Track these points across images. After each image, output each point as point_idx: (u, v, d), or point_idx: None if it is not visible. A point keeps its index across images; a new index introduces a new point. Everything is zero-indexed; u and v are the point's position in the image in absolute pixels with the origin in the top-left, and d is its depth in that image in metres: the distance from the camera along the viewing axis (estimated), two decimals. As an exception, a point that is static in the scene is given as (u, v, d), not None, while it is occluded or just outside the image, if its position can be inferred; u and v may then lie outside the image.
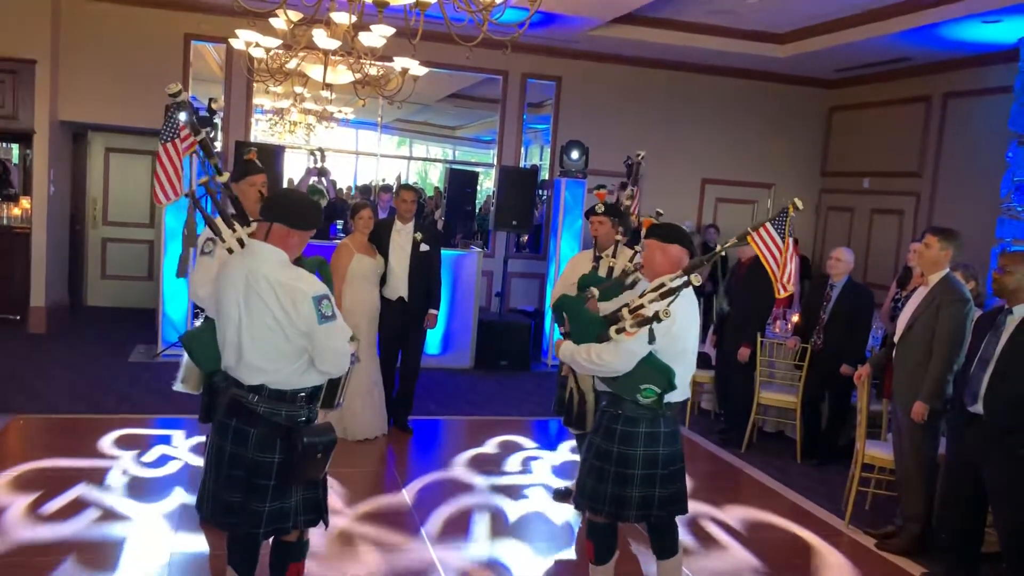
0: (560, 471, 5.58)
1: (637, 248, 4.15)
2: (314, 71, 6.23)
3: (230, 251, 3.32)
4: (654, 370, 3.25)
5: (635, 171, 5.42)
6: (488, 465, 5.64)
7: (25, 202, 8.90)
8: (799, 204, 3.52)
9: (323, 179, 9.49)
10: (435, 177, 12.22)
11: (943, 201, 9.19)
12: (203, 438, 4.48)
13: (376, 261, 5.83)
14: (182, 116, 3.52)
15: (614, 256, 4.56)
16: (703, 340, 7.30)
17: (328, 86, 5.91)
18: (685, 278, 3.14)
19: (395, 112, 9.89)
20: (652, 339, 3.15)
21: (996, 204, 7.34)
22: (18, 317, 8.68)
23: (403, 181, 10.77)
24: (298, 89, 9.17)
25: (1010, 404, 3.83)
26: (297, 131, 10.69)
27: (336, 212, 8.95)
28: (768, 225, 3.60)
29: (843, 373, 5.87)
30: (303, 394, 3.00)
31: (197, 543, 4.10)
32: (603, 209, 4.69)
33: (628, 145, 10.16)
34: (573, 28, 8.84)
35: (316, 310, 2.87)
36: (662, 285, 3.20)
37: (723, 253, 3.57)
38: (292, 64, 6.12)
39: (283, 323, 2.88)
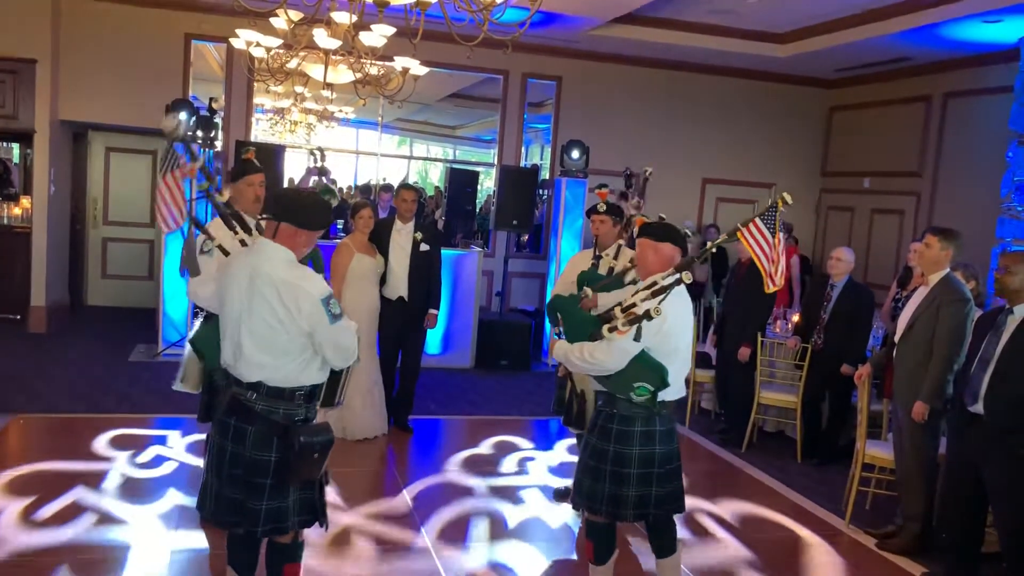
0: (559, 471, 5.58)
1: None
2: (315, 71, 6.22)
3: (226, 253, 3.35)
4: (647, 368, 3.27)
5: (643, 185, 5.43)
6: (488, 465, 5.64)
7: (25, 202, 8.90)
8: (788, 199, 3.53)
9: (323, 179, 9.48)
10: (435, 177, 12.23)
11: (943, 201, 9.19)
12: (202, 437, 4.48)
13: (376, 261, 5.83)
14: (179, 148, 3.54)
15: (615, 257, 4.56)
16: (703, 340, 7.31)
17: (329, 85, 5.90)
18: (676, 276, 3.18)
19: (396, 112, 9.89)
20: (638, 337, 3.16)
21: (996, 204, 7.34)
22: (18, 317, 8.68)
23: (403, 181, 10.76)
24: (299, 89, 9.17)
25: (1010, 404, 3.83)
26: (298, 131, 10.69)
27: (337, 211, 8.94)
28: (758, 221, 3.60)
29: (843, 373, 5.87)
30: (301, 392, 3.00)
31: (198, 542, 4.09)
32: (605, 208, 4.69)
33: (629, 145, 10.22)
34: (574, 28, 8.84)
35: (327, 311, 2.89)
36: (654, 283, 3.23)
37: (715, 250, 3.59)
38: (293, 64, 6.11)
39: (284, 321, 2.89)
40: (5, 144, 9.52)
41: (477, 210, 10.32)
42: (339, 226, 8.62)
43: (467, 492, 5.12)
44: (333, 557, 4.09)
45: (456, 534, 4.49)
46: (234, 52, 8.23)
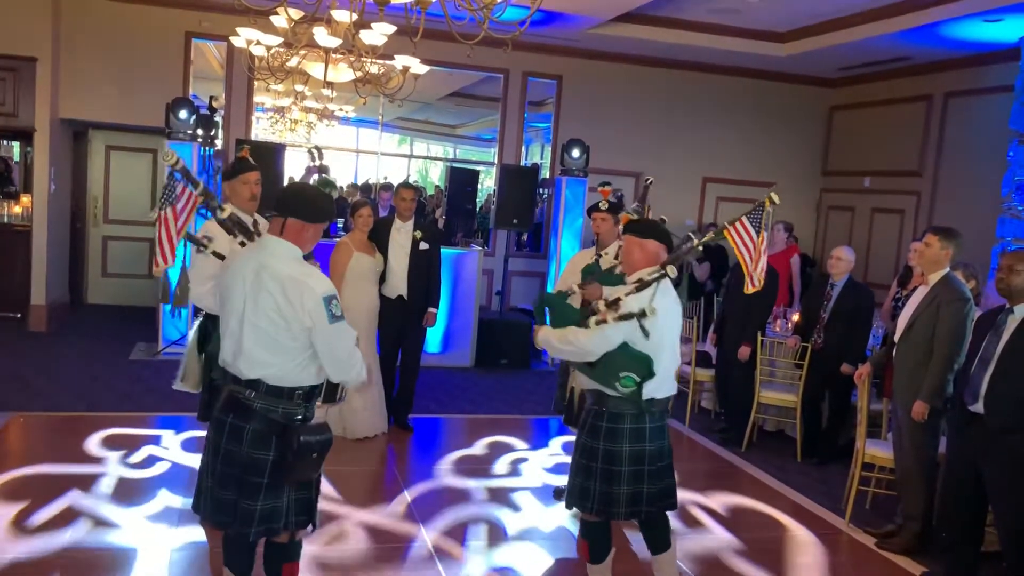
0: (558, 470, 5.58)
1: None
2: (315, 69, 6.22)
3: (221, 257, 3.38)
4: (633, 359, 3.28)
5: (644, 193, 5.44)
6: (487, 464, 5.63)
7: (26, 200, 8.90)
8: (775, 199, 3.56)
9: (322, 175, 9.49)
10: (436, 175, 12.23)
11: (944, 200, 9.19)
12: (203, 435, 4.49)
13: (375, 260, 5.83)
14: (178, 176, 3.54)
15: (616, 257, 4.55)
16: (703, 339, 7.31)
17: (329, 84, 5.90)
18: (661, 271, 3.23)
19: (396, 110, 9.91)
20: (647, 334, 3.19)
21: (997, 203, 7.34)
22: (18, 315, 8.68)
23: (404, 180, 10.76)
24: (299, 87, 9.15)
25: (1011, 403, 3.83)
26: (298, 129, 10.69)
27: (336, 210, 8.94)
28: (744, 219, 3.62)
29: (843, 372, 5.87)
30: (300, 392, 3.00)
31: (199, 537, 4.08)
32: (607, 206, 4.69)
33: (629, 144, 10.22)
34: (574, 26, 8.84)
35: (327, 310, 2.89)
36: (640, 280, 3.28)
37: (701, 248, 3.62)
38: (293, 62, 6.11)
39: (287, 318, 2.89)
40: (5, 142, 9.53)
41: (477, 209, 10.32)
42: (339, 225, 8.62)
43: (467, 491, 5.11)
44: (332, 556, 4.08)
45: (456, 534, 4.49)
46: (234, 50, 8.23)
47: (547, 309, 3.63)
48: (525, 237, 10.42)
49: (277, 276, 2.90)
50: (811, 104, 11.01)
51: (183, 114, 7.74)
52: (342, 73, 5.96)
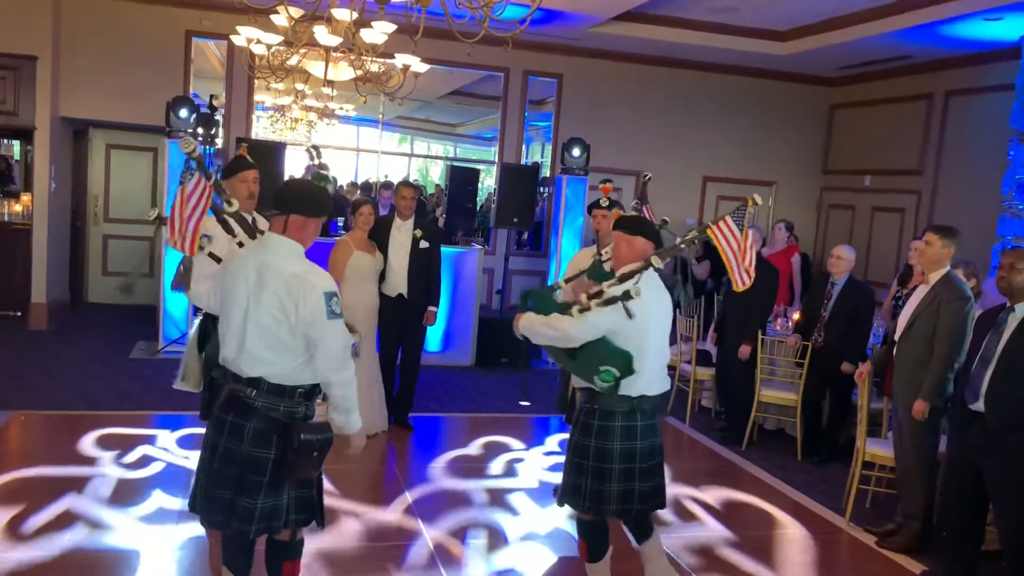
0: (558, 469, 5.56)
1: None
2: (315, 68, 6.22)
3: (217, 260, 3.39)
4: (613, 354, 3.30)
5: (642, 189, 5.46)
6: (487, 463, 5.64)
7: (26, 198, 8.90)
8: (758, 199, 3.66)
9: (320, 169, 9.51)
10: (436, 174, 12.23)
11: (944, 199, 9.19)
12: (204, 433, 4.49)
13: (375, 258, 5.83)
14: (193, 165, 3.56)
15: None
16: (704, 337, 7.31)
17: (329, 83, 5.91)
18: (646, 262, 3.29)
19: (396, 109, 9.90)
20: (630, 315, 3.21)
21: (997, 202, 7.34)
22: (19, 313, 8.69)
23: (404, 179, 10.77)
24: (299, 86, 9.17)
25: (1011, 402, 3.83)
26: (298, 128, 10.69)
27: (337, 209, 8.94)
28: (728, 219, 3.68)
29: (844, 371, 5.86)
30: (301, 390, 3.00)
31: (200, 536, 4.09)
32: (607, 203, 4.69)
33: (630, 142, 10.22)
34: (574, 25, 8.83)
35: (327, 306, 2.90)
36: (623, 274, 3.34)
37: (684, 246, 3.65)
38: (293, 61, 6.11)
39: (290, 315, 2.89)
40: (6, 141, 9.53)
41: (478, 208, 10.33)
42: (339, 223, 8.62)
43: (468, 490, 5.12)
44: (332, 555, 4.08)
45: (456, 532, 4.49)
46: (235, 49, 8.24)
47: (530, 301, 3.66)
48: (525, 236, 10.41)
49: (281, 274, 2.91)
50: (811, 103, 11.00)
51: (183, 113, 7.74)
52: (342, 72, 5.97)
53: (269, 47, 5.71)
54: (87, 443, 5.34)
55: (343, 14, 4.97)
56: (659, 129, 10.46)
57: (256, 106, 9.61)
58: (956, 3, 7.15)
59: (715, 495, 5.30)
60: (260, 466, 2.93)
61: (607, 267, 3.82)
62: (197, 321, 3.83)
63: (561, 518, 4.75)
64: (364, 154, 10.79)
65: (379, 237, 5.91)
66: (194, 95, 8.87)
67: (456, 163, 11.13)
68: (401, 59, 5.57)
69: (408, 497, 4.91)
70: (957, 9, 7.18)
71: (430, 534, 4.41)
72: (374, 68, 5.92)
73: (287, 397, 2.97)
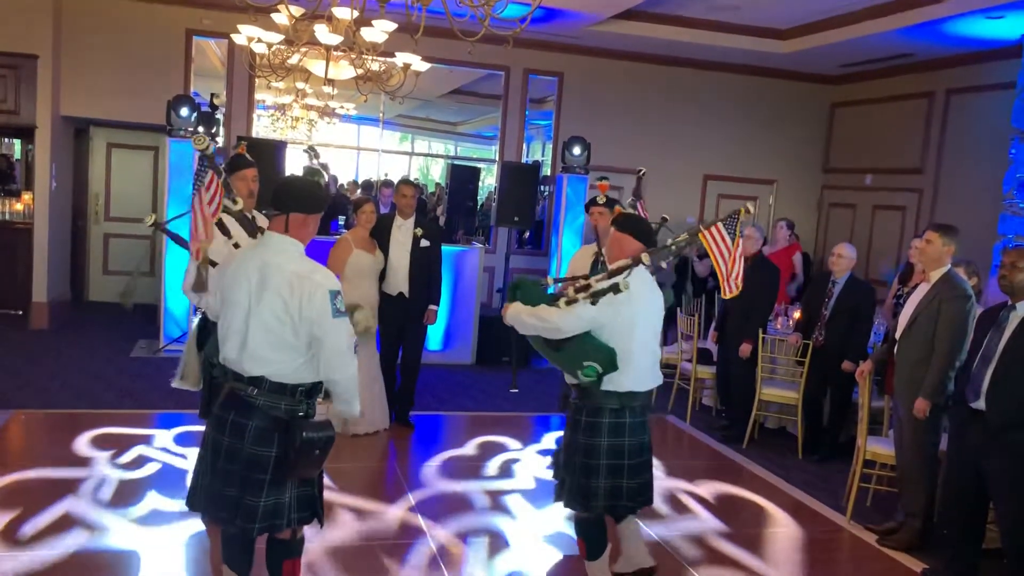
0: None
1: None
2: (316, 67, 6.21)
3: (213, 264, 3.40)
4: (597, 349, 3.33)
5: (637, 186, 5.47)
6: (488, 462, 5.64)
7: (27, 197, 8.91)
8: (751, 209, 3.66)
9: (316, 164, 9.53)
10: (437, 173, 12.23)
11: (945, 197, 9.18)
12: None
13: (375, 257, 5.83)
14: (206, 163, 3.58)
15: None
16: (705, 336, 7.31)
17: (330, 82, 5.91)
18: (635, 259, 3.34)
19: (397, 108, 9.89)
20: (595, 301, 3.24)
21: (999, 200, 7.33)
22: (20, 312, 8.69)
23: (404, 177, 10.77)
24: (300, 85, 9.17)
25: (1012, 401, 3.83)
26: (299, 127, 10.69)
27: (338, 208, 8.94)
28: (720, 225, 3.70)
29: (845, 369, 5.86)
30: (303, 388, 3.00)
31: (200, 531, 4.08)
32: (604, 200, 4.70)
33: (630, 141, 10.21)
34: (575, 24, 8.83)
35: (331, 304, 2.91)
36: (612, 270, 3.38)
37: (673, 248, 3.67)
38: (294, 60, 6.10)
39: (293, 314, 2.90)
40: (6, 140, 9.53)
41: (478, 206, 10.33)
42: (340, 222, 8.62)
43: (468, 489, 5.12)
44: (332, 553, 4.09)
45: (459, 529, 4.49)
46: (235, 48, 8.23)
47: (518, 292, 3.68)
48: (526, 234, 10.41)
49: (283, 273, 2.91)
50: (812, 101, 10.99)
51: (184, 111, 7.74)
52: (343, 70, 5.96)
53: (270, 46, 5.71)
54: (88, 443, 5.35)
55: (344, 13, 4.97)
56: (660, 127, 10.45)
57: (257, 105, 9.61)
58: (957, 1, 7.14)
59: (716, 493, 5.30)
60: (262, 464, 2.93)
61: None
62: (197, 319, 3.83)
63: (559, 516, 4.75)
64: (365, 153, 10.79)
65: (380, 236, 5.91)
66: (195, 94, 8.87)
67: (457, 162, 11.13)
68: (402, 58, 5.57)
69: (409, 495, 4.91)
70: (958, 7, 7.18)
71: (431, 532, 4.42)
72: (375, 67, 5.92)
73: (289, 395, 2.97)
